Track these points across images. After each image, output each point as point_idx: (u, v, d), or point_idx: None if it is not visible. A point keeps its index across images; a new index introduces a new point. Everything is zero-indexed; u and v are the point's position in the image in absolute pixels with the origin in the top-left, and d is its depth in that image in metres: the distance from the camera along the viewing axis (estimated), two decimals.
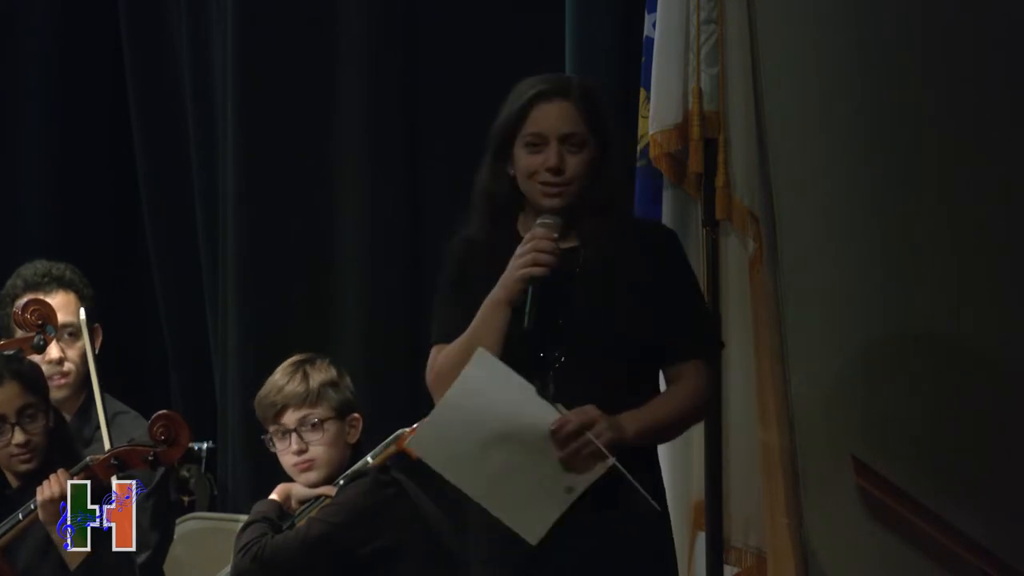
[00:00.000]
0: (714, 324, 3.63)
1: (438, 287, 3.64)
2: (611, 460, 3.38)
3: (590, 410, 3.41)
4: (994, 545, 4.47)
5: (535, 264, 3.46)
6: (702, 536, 4.42)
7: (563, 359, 3.47)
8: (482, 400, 3.43)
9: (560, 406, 3.43)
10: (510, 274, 3.47)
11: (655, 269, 3.53)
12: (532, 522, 3.43)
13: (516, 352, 3.46)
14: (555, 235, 3.49)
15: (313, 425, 4.26)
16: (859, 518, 4.61)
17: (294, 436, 4.26)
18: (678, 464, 4.39)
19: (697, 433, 4.35)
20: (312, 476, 4.27)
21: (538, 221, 3.51)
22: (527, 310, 3.45)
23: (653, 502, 3.44)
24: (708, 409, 3.73)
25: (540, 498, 3.42)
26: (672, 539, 3.61)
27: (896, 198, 4.63)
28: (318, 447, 4.26)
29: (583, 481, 3.40)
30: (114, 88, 5.91)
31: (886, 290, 4.64)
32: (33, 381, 4.21)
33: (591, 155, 3.52)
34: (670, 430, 3.58)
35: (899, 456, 4.58)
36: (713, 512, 4.40)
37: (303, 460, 4.26)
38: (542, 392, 3.43)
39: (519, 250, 3.48)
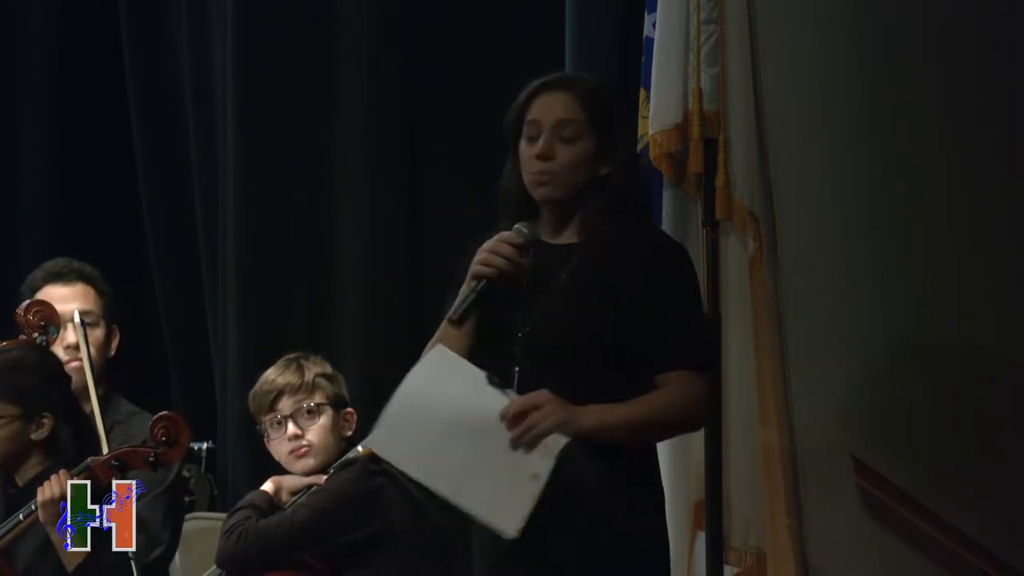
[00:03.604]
0: (708, 338, 3.50)
1: (450, 285, 3.60)
2: (561, 439, 3.30)
3: (540, 393, 3.34)
4: (994, 545, 4.46)
5: (485, 264, 3.41)
6: (702, 536, 4.42)
7: (525, 357, 3.41)
8: (434, 392, 3.39)
9: (511, 391, 3.36)
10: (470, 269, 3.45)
11: (649, 280, 3.40)
12: (506, 515, 3.33)
13: (489, 344, 3.44)
14: (520, 241, 3.42)
15: (309, 411, 4.27)
16: (859, 518, 4.60)
17: (290, 423, 4.26)
18: (678, 464, 4.39)
19: (697, 433, 4.35)
20: (309, 462, 4.26)
21: (515, 226, 3.45)
22: (463, 304, 3.42)
23: (597, 483, 3.33)
24: (699, 421, 3.55)
25: (509, 489, 3.33)
26: (667, 543, 3.53)
27: (896, 198, 4.62)
28: (314, 432, 4.26)
29: (545, 465, 3.32)
30: (114, 88, 5.92)
31: (886, 290, 4.63)
32: (52, 372, 4.26)
33: (587, 149, 3.43)
34: (640, 433, 3.40)
35: (899, 456, 4.58)
36: (713, 512, 4.40)
37: (299, 445, 4.26)
38: (491, 380, 3.37)
39: (482, 247, 3.44)
